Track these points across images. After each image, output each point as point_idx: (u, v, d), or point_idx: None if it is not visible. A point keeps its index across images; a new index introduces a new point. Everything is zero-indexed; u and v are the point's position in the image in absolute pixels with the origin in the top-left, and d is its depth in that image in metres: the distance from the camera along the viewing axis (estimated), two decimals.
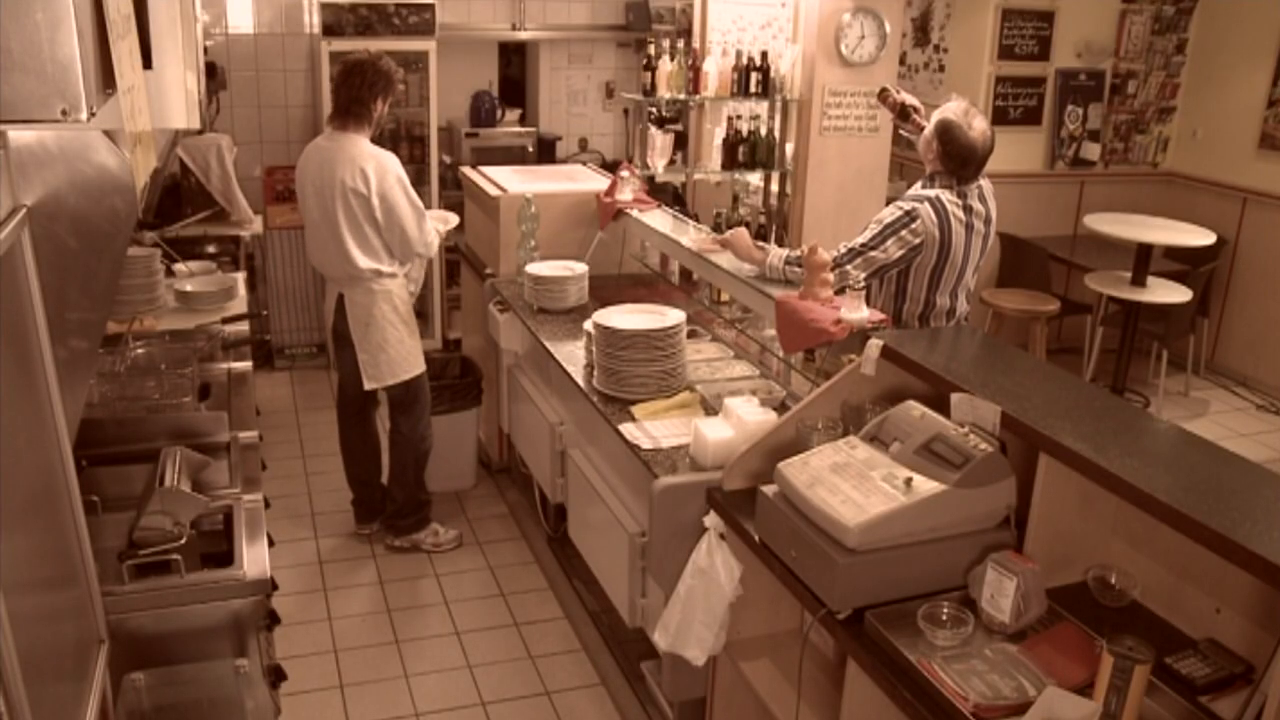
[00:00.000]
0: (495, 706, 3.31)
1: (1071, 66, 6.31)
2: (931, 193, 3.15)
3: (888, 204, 3.28)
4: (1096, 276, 5.62)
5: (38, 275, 1.43)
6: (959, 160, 3.13)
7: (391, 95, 3.81)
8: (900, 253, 3.10)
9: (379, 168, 3.68)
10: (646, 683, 3.24)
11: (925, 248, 3.11)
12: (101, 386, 2.97)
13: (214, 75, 5.11)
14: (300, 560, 4.04)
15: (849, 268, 3.10)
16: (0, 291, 1.32)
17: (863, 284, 2.88)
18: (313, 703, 3.30)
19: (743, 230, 3.38)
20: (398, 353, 3.91)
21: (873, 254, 3.10)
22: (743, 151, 5.10)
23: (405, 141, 5.87)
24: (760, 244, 3.30)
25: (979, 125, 3.14)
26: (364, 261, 3.76)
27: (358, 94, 3.72)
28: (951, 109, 3.17)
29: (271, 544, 2.39)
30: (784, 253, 3.17)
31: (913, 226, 3.09)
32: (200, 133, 5.00)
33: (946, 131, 3.14)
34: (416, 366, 3.99)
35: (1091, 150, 6.45)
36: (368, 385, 3.92)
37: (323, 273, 3.98)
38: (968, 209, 3.16)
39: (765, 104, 5.14)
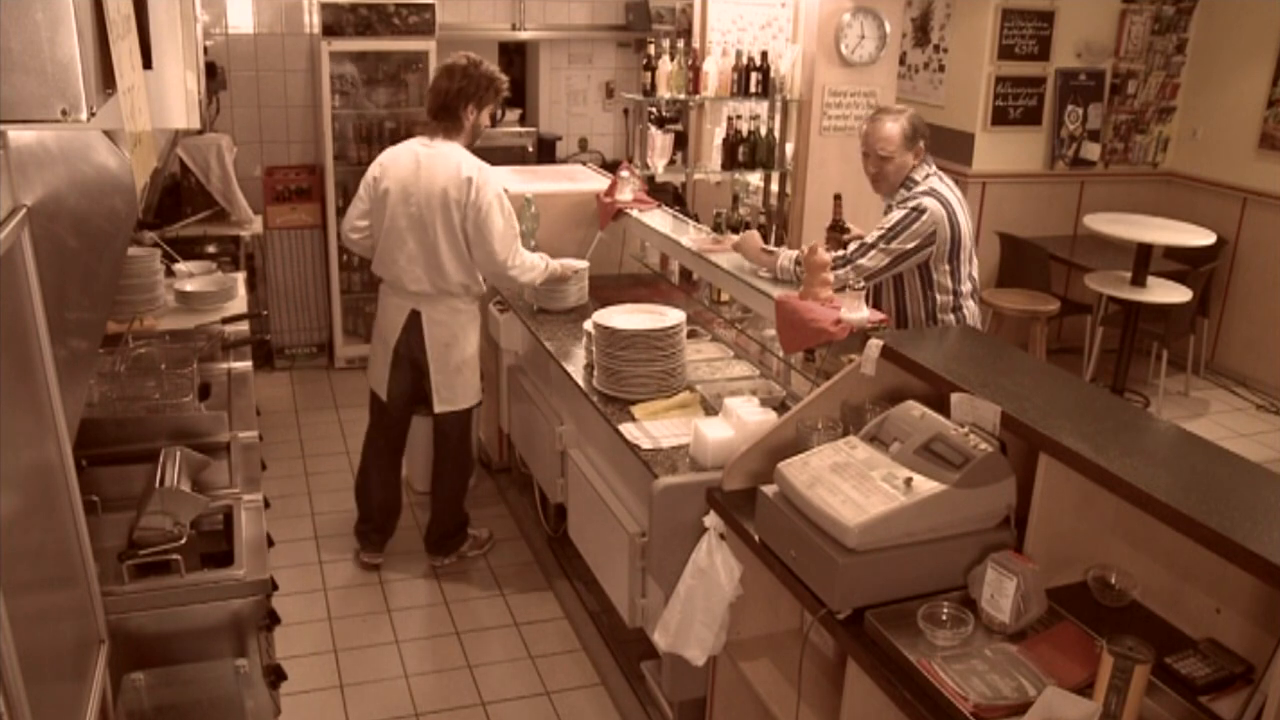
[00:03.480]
0: (495, 706, 3.31)
1: (1071, 66, 6.30)
2: (921, 186, 3.26)
3: (887, 210, 3.35)
4: (1096, 276, 5.62)
5: (38, 275, 1.43)
6: (924, 136, 3.32)
7: (491, 104, 3.65)
8: (916, 242, 3.19)
9: (482, 178, 3.54)
10: (646, 683, 3.24)
11: (939, 236, 3.19)
12: (101, 386, 2.96)
13: (214, 75, 5.11)
14: (300, 560, 4.03)
15: (861, 260, 3.17)
16: (0, 291, 1.32)
17: (863, 286, 2.89)
18: (313, 703, 3.30)
19: (754, 234, 3.40)
20: (472, 377, 3.82)
21: (888, 246, 3.18)
22: (743, 151, 5.10)
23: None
24: (768, 248, 3.32)
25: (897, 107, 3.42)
26: (458, 276, 3.62)
27: (446, 101, 3.57)
28: (892, 114, 3.32)
29: (271, 544, 2.39)
30: (794, 254, 3.19)
31: (923, 219, 3.18)
32: (200, 133, 5.00)
33: (911, 121, 3.30)
34: (479, 391, 3.91)
35: (1091, 150, 6.44)
36: (439, 408, 3.76)
37: (398, 285, 3.69)
38: (952, 190, 3.30)
39: (765, 104, 5.14)
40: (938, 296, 3.30)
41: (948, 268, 3.26)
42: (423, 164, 3.57)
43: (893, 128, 3.26)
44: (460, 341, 3.75)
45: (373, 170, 3.69)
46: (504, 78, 3.68)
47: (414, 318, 3.70)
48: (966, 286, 3.33)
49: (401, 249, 3.62)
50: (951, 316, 3.32)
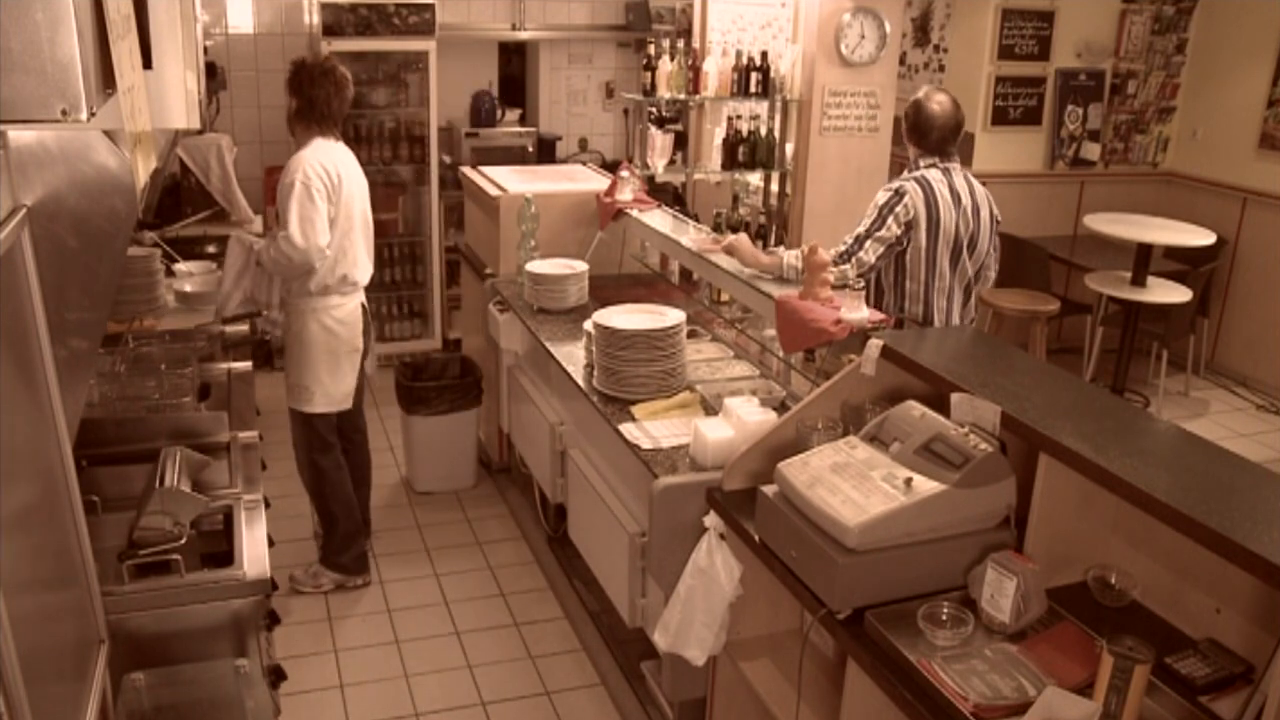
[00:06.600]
0: (495, 706, 3.31)
1: (1071, 66, 6.31)
2: (917, 173, 3.35)
3: None
4: (1096, 276, 5.62)
5: (38, 275, 1.43)
6: (920, 131, 3.37)
7: None
8: (900, 230, 3.28)
9: None
10: (646, 683, 3.24)
11: (916, 223, 3.27)
12: (101, 386, 2.97)
13: (214, 75, 5.11)
14: (300, 560, 4.03)
15: (860, 254, 3.27)
16: (0, 291, 1.32)
17: (862, 285, 2.90)
18: (313, 703, 3.30)
19: (744, 236, 3.40)
20: None
21: (879, 234, 3.28)
22: (743, 151, 5.10)
23: (405, 141, 5.87)
24: (766, 250, 3.35)
25: (939, 98, 3.38)
26: None
27: (345, 106, 3.75)
28: (919, 93, 3.44)
29: (271, 544, 2.39)
30: (796, 253, 3.19)
31: (904, 202, 3.27)
32: (200, 133, 5.00)
33: (911, 108, 3.40)
34: None
35: (1091, 150, 6.45)
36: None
37: (357, 283, 3.75)
38: (953, 189, 3.32)
39: (765, 104, 5.14)
40: (908, 285, 3.36)
41: (924, 257, 3.30)
42: (352, 163, 3.76)
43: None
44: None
45: (327, 179, 3.55)
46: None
47: (363, 310, 3.82)
48: (939, 283, 3.35)
49: (357, 246, 3.75)
50: (920, 311, 3.36)
